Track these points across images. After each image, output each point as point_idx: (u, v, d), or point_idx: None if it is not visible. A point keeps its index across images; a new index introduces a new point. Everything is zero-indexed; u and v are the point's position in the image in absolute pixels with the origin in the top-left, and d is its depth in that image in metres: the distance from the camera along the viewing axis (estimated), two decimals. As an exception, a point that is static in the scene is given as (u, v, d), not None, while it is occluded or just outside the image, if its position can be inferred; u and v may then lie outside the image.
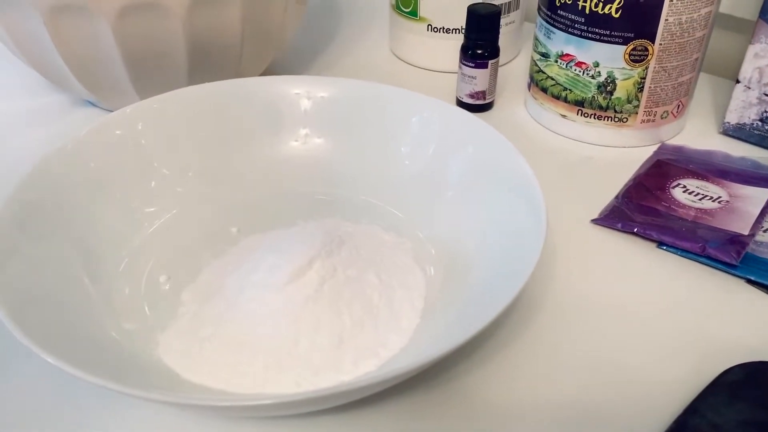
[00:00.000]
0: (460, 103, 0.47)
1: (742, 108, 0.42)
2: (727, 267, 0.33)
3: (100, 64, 0.40)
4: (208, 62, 0.42)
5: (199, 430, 0.26)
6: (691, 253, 0.34)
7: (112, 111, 0.46)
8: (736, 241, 0.34)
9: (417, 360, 0.23)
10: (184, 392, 0.25)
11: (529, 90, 0.46)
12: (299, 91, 0.37)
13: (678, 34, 0.39)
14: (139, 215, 0.32)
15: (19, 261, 0.27)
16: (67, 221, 0.30)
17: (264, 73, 0.50)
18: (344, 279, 0.28)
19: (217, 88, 0.37)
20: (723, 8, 0.49)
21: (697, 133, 0.45)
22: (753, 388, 0.26)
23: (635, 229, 0.36)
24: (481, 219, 0.32)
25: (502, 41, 0.50)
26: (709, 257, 0.34)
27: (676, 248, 0.35)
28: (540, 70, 0.44)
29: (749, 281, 0.33)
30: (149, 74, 0.41)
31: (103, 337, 0.26)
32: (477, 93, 0.46)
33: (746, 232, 0.35)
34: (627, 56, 0.39)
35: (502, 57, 0.52)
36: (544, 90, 0.44)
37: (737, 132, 0.43)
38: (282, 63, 0.53)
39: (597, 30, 0.39)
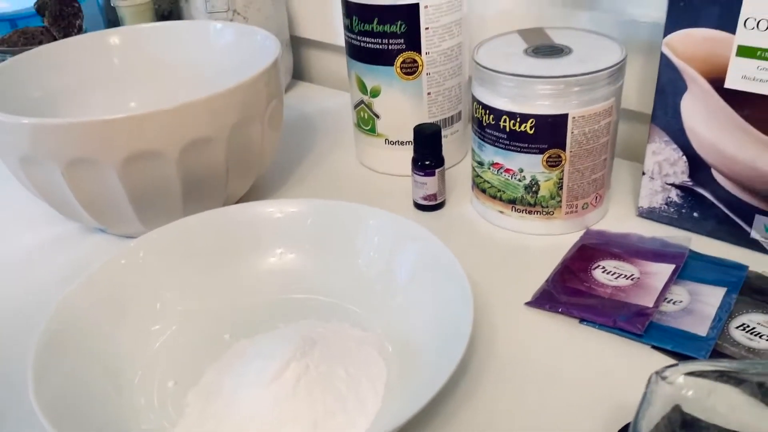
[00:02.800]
0: (416, 205, 0.55)
1: (650, 195, 0.50)
2: (634, 336, 0.40)
3: (109, 202, 0.48)
4: (199, 192, 0.50)
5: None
6: (605, 326, 0.41)
7: (119, 235, 0.54)
8: (642, 313, 0.41)
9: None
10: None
11: (473, 190, 0.54)
12: (272, 209, 0.45)
13: (584, 142, 0.47)
14: (147, 333, 0.40)
15: (56, 379, 0.33)
16: (90, 344, 0.37)
17: (249, 192, 0.58)
18: (316, 375, 0.35)
19: (206, 218, 0.45)
20: (631, 106, 0.58)
21: (618, 217, 0.52)
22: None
23: (560, 309, 0.43)
24: (425, 311, 0.39)
25: (449, 147, 0.59)
26: (620, 329, 0.41)
27: (594, 323, 0.42)
28: (478, 175, 0.52)
29: (653, 347, 0.40)
30: (150, 206, 0.49)
31: (127, 437, 0.32)
32: (429, 196, 0.54)
33: (651, 305, 0.42)
34: (545, 163, 0.48)
35: (451, 160, 0.60)
36: (483, 191, 0.52)
37: (650, 214, 0.51)
38: (264, 180, 0.61)
39: (517, 143, 0.48)
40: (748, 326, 0.40)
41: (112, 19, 0.77)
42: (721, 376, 0.25)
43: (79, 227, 0.56)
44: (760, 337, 0.39)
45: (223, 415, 0.35)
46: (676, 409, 0.26)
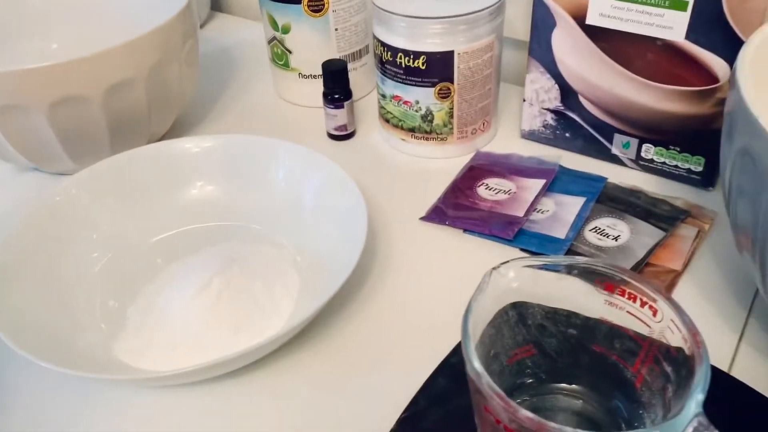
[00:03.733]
0: (330, 135, 0.61)
1: (530, 119, 0.58)
2: (506, 241, 0.48)
3: (40, 144, 0.52)
4: (124, 131, 0.54)
5: (155, 398, 0.39)
6: (483, 234, 0.49)
7: (53, 173, 0.58)
8: (514, 222, 0.49)
9: (285, 327, 0.37)
10: (128, 375, 0.38)
11: (379, 120, 0.60)
12: (190, 145, 0.51)
13: (469, 75, 0.53)
14: (87, 259, 0.45)
15: (9, 301, 0.39)
16: (36, 271, 0.42)
17: (172, 128, 0.62)
18: (236, 287, 0.42)
19: (131, 155, 0.50)
20: (520, 36, 0.64)
21: (504, 139, 0.60)
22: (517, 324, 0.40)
23: (447, 222, 0.50)
24: (329, 227, 0.46)
25: (358, 79, 0.64)
26: (494, 236, 0.49)
27: (474, 231, 0.50)
28: (382, 107, 0.58)
29: (522, 249, 0.48)
30: (79, 146, 0.53)
31: (77, 347, 0.39)
32: (340, 127, 0.60)
33: (522, 215, 0.50)
34: (436, 95, 0.54)
35: (361, 91, 0.66)
36: (387, 120, 0.58)
37: (531, 136, 0.58)
38: (186, 116, 0.65)
39: (413, 78, 0.53)
40: (599, 228, 0.49)
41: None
42: (543, 267, 0.33)
43: (13, 167, 0.60)
44: (607, 236, 0.48)
45: (158, 326, 0.41)
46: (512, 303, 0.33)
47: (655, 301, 0.30)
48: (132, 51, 0.51)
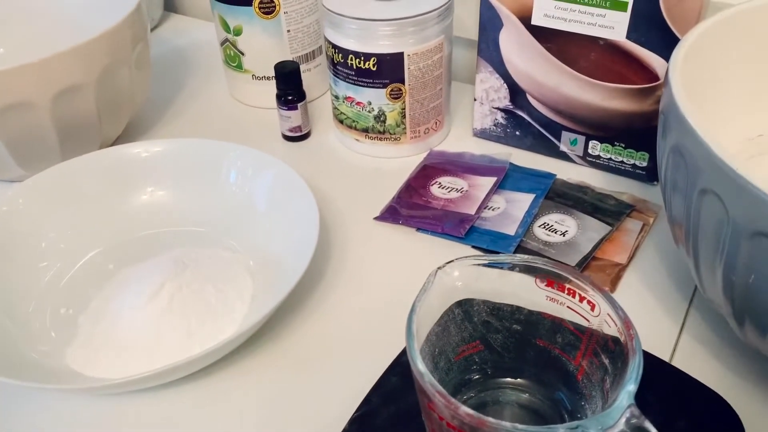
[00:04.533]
0: (284, 136, 0.61)
1: (481, 117, 0.59)
2: (458, 239, 0.49)
3: (-13, 151, 0.52)
4: (75, 137, 0.54)
5: (110, 406, 0.39)
6: (436, 232, 0.50)
7: (1, 180, 0.57)
8: (465, 219, 0.50)
9: (238, 331, 0.37)
10: (80, 384, 0.38)
11: (333, 120, 0.60)
12: (139, 150, 0.50)
13: (420, 76, 0.54)
14: (35, 269, 0.45)
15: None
16: (-16, 282, 0.42)
17: (125, 132, 0.62)
18: (188, 292, 0.42)
19: (79, 162, 0.49)
20: (471, 36, 0.65)
21: (457, 137, 0.60)
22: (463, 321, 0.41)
23: (401, 221, 0.51)
24: (282, 229, 0.46)
25: (312, 80, 0.65)
26: (447, 233, 0.50)
27: (427, 230, 0.50)
28: (336, 107, 0.58)
29: (473, 246, 0.49)
30: (28, 153, 0.53)
31: (27, 357, 0.38)
32: (294, 128, 0.60)
33: (473, 213, 0.51)
34: (388, 95, 0.54)
35: (315, 92, 0.66)
36: (341, 121, 0.58)
37: (483, 134, 0.59)
38: (138, 118, 0.65)
39: (364, 79, 0.54)
40: (548, 224, 0.50)
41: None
42: (487, 265, 0.34)
43: (-40, 175, 0.58)
44: (555, 232, 0.49)
45: (110, 333, 0.41)
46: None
47: (592, 296, 0.32)
48: (80, 55, 0.50)
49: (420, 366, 0.28)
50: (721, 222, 0.31)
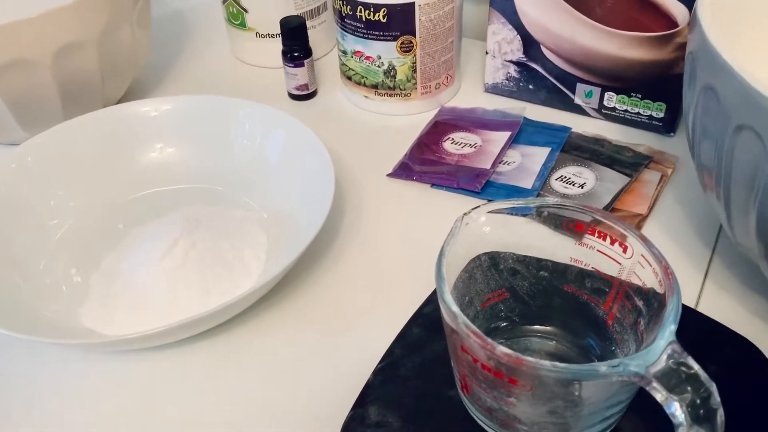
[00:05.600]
0: (290, 95, 0.60)
1: (493, 71, 0.57)
2: (474, 194, 0.48)
3: (-12, 112, 0.50)
4: (77, 96, 0.52)
5: (126, 364, 0.38)
6: (451, 187, 0.49)
7: (4, 144, 0.55)
8: (481, 174, 0.49)
9: (255, 286, 0.36)
10: (95, 339, 0.37)
11: (341, 78, 0.59)
12: (148, 108, 0.49)
13: (431, 28, 0.52)
14: (45, 227, 0.44)
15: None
16: (-5, 239, 0.41)
17: (127, 92, 0.60)
18: (203, 249, 0.41)
19: (86, 120, 0.48)
20: (480, -9, 0.63)
21: (468, 93, 0.59)
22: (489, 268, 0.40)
23: (414, 177, 0.50)
24: (295, 186, 0.45)
25: (318, 38, 0.63)
26: (462, 188, 0.49)
27: (442, 185, 0.49)
28: (344, 63, 0.57)
29: (489, 201, 0.48)
30: (30, 113, 0.51)
31: (40, 315, 0.37)
32: (301, 86, 0.59)
33: (489, 167, 0.50)
34: (399, 49, 0.53)
35: (321, 50, 0.64)
36: (349, 78, 0.57)
37: (494, 89, 0.58)
38: (140, 81, 0.63)
39: (374, 32, 0.52)
40: (565, 177, 0.49)
41: None
42: (513, 211, 0.33)
43: (-40, 139, 0.57)
44: (573, 184, 0.48)
45: (123, 291, 0.40)
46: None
47: (625, 237, 0.31)
48: (80, 11, 0.49)
49: (453, 307, 0.27)
50: (759, 158, 0.30)
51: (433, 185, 0.50)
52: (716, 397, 0.25)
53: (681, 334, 0.37)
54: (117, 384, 0.38)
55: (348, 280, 0.43)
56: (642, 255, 0.30)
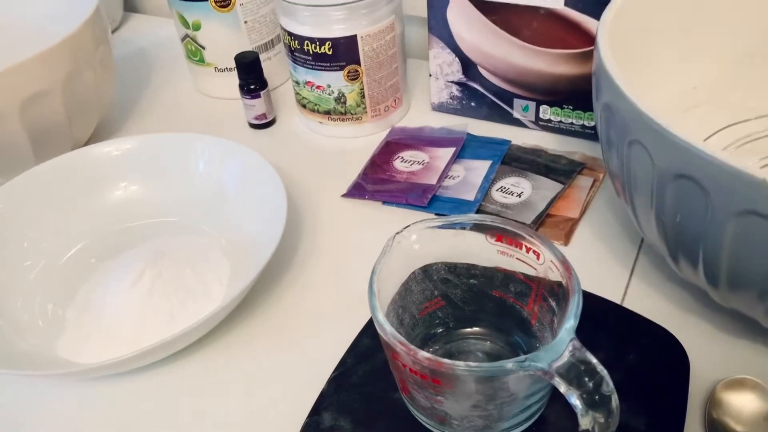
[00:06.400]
0: (250, 124, 0.63)
1: (438, 92, 0.61)
2: (422, 208, 0.52)
3: (-39, 161, 0.53)
4: (46, 141, 0.55)
5: (101, 391, 0.42)
6: (401, 203, 0.53)
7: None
8: (428, 189, 0.53)
9: (216, 309, 0.39)
10: (70, 368, 0.40)
11: (297, 106, 0.62)
12: (110, 149, 0.52)
13: (374, 56, 0.56)
14: (20, 268, 0.47)
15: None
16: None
17: (96, 132, 0.63)
18: (168, 277, 0.44)
19: (53, 165, 0.51)
20: (423, 14, 0.67)
21: (417, 113, 0.63)
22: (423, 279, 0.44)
23: (366, 196, 0.54)
24: (253, 212, 0.48)
25: (274, 69, 0.67)
26: (411, 204, 0.52)
27: (392, 202, 0.53)
28: (298, 93, 0.60)
29: (436, 214, 0.52)
30: (3, 160, 0.54)
31: (18, 349, 0.41)
32: (259, 116, 0.63)
33: (435, 182, 0.54)
34: (346, 77, 0.57)
35: (277, 80, 0.68)
36: (304, 106, 0.61)
37: (440, 108, 0.62)
38: (108, 119, 0.67)
39: (322, 63, 0.56)
40: (504, 187, 0.53)
41: None
42: (441, 227, 0.37)
43: (-62, 187, 0.60)
44: (512, 194, 0.52)
45: (97, 322, 0.43)
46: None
47: (536, 245, 0.34)
48: (44, 62, 0.52)
49: (381, 319, 0.31)
50: (648, 169, 0.34)
51: (384, 202, 0.53)
52: (608, 384, 0.29)
53: (604, 327, 0.41)
54: (94, 409, 0.41)
55: (306, 297, 0.47)
56: (551, 260, 0.34)
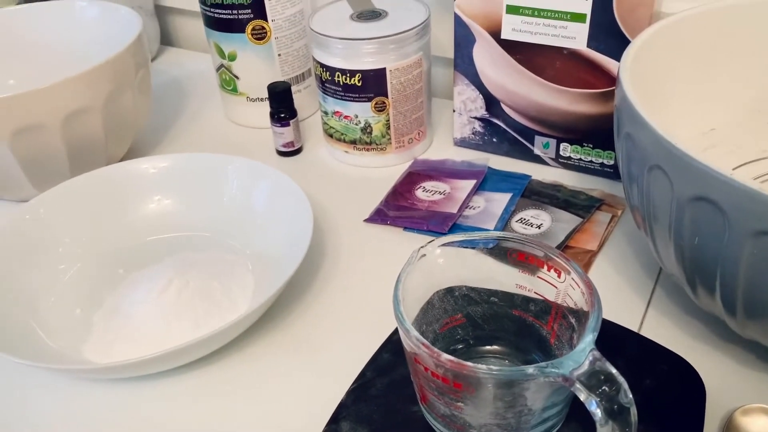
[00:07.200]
0: (278, 152, 0.66)
1: (461, 127, 0.63)
2: (441, 234, 0.53)
3: (3, 173, 0.55)
4: (82, 156, 0.58)
5: (124, 392, 0.42)
6: (421, 230, 0.54)
7: (14, 200, 0.61)
8: (449, 217, 0.54)
9: (241, 316, 0.40)
10: (96, 365, 0.41)
11: (324, 135, 0.65)
12: (147, 166, 0.55)
13: (402, 90, 0.59)
14: (55, 271, 0.49)
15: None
16: (8, 283, 0.45)
17: (129, 152, 0.66)
18: (195, 288, 0.46)
19: (93, 176, 0.53)
20: (447, 54, 0.70)
21: (439, 146, 0.65)
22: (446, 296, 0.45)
23: (388, 222, 0.55)
24: (280, 231, 0.50)
25: (303, 100, 0.69)
26: (431, 231, 0.54)
27: (413, 229, 0.54)
28: (325, 122, 0.63)
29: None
30: (41, 172, 0.57)
31: (47, 348, 0.42)
32: (287, 143, 0.65)
33: (455, 211, 0.55)
34: (373, 108, 0.59)
35: (306, 111, 0.71)
36: (331, 135, 0.63)
37: (462, 143, 0.64)
38: (142, 141, 0.69)
39: (350, 94, 0.59)
40: (524, 219, 0.54)
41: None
42: (463, 243, 0.38)
43: (-25, 197, 0.62)
44: (531, 225, 0.53)
45: (123, 327, 0.45)
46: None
47: (557, 263, 0.35)
48: (88, 81, 0.55)
49: (406, 325, 0.32)
50: (667, 194, 0.35)
51: (405, 228, 0.55)
52: (628, 394, 0.29)
53: (622, 353, 0.42)
54: (116, 411, 0.42)
55: (327, 313, 0.48)
56: (572, 278, 0.35)
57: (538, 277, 0.37)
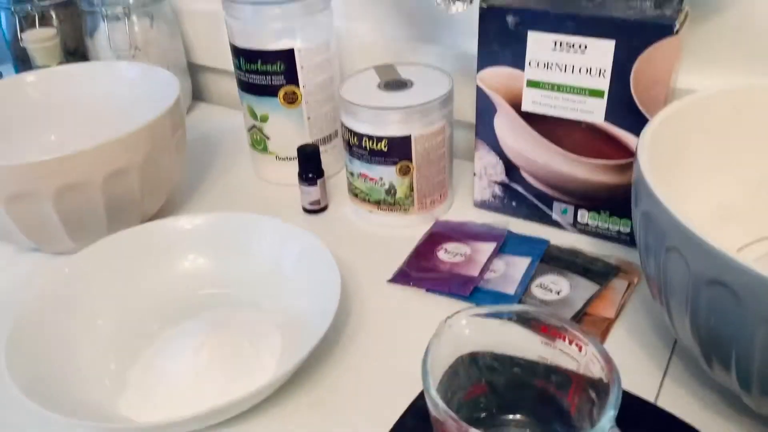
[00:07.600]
0: (305, 209, 0.68)
1: (481, 190, 0.65)
2: (464, 298, 0.55)
3: (45, 227, 0.58)
4: (119, 213, 0.61)
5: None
6: (443, 292, 0.56)
7: (52, 253, 0.63)
8: (470, 281, 0.56)
9: (271, 380, 0.42)
10: (130, 425, 0.43)
11: (349, 194, 0.67)
12: (183, 223, 0.57)
13: (426, 155, 0.61)
14: (93, 326, 0.51)
15: (23, 360, 0.44)
16: (48, 336, 0.48)
17: (163, 207, 0.69)
18: (227, 348, 0.47)
19: (131, 233, 0.56)
20: (469, 119, 0.73)
21: (460, 208, 0.67)
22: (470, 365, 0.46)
23: (411, 283, 0.57)
24: (308, 292, 0.52)
25: (330, 160, 0.72)
26: (453, 293, 0.55)
27: (435, 290, 0.56)
28: (351, 183, 0.65)
29: (472, 306, 0.55)
30: (79, 227, 0.59)
31: (84, 403, 0.44)
32: (314, 201, 0.67)
33: (476, 274, 0.57)
34: (398, 172, 0.62)
35: (333, 169, 0.73)
36: (356, 195, 0.65)
37: (483, 205, 0.66)
38: (175, 197, 0.72)
39: (377, 158, 0.61)
40: (544, 284, 0.56)
41: (20, 56, 0.84)
42: (489, 315, 0.40)
43: (15, 248, 0.65)
44: (551, 291, 0.55)
45: (157, 384, 0.46)
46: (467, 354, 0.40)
47: (578, 338, 0.37)
48: (128, 143, 0.58)
49: (434, 395, 0.34)
50: (684, 276, 0.37)
51: (428, 290, 0.57)
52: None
53: (639, 424, 0.43)
54: (148, 467, 0.43)
55: (351, 375, 0.49)
56: (593, 353, 0.36)
57: (559, 349, 0.38)
